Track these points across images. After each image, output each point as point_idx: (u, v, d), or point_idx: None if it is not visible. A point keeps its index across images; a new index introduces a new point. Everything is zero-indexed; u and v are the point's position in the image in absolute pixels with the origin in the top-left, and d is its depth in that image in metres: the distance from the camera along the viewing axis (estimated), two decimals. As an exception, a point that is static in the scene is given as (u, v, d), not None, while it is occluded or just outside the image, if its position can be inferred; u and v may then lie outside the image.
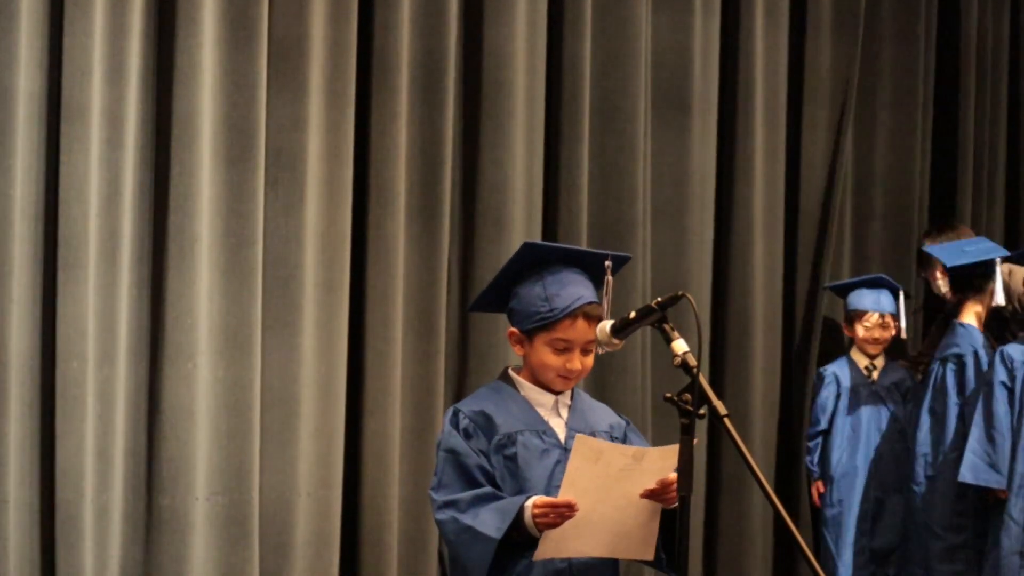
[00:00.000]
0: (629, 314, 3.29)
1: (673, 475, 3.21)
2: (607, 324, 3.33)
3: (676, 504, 3.25)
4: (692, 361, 3.12)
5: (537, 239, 5.53)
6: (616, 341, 3.33)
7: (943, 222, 6.69)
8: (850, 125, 6.72)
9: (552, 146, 5.81)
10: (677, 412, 3.11)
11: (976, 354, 5.99)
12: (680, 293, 3.22)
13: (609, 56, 5.95)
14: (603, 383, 5.87)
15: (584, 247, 5.68)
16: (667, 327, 3.22)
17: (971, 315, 6.11)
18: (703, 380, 3.11)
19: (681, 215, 6.20)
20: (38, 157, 4.65)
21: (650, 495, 3.21)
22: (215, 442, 4.95)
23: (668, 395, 3.13)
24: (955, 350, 6.06)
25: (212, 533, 4.94)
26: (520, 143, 5.62)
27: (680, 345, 3.16)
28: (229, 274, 4.99)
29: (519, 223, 5.58)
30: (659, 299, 3.24)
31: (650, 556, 3.30)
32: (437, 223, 5.45)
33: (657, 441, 5.90)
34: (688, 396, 3.10)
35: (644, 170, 6.01)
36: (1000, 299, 6.01)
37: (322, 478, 5.17)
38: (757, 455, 6.36)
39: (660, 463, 3.20)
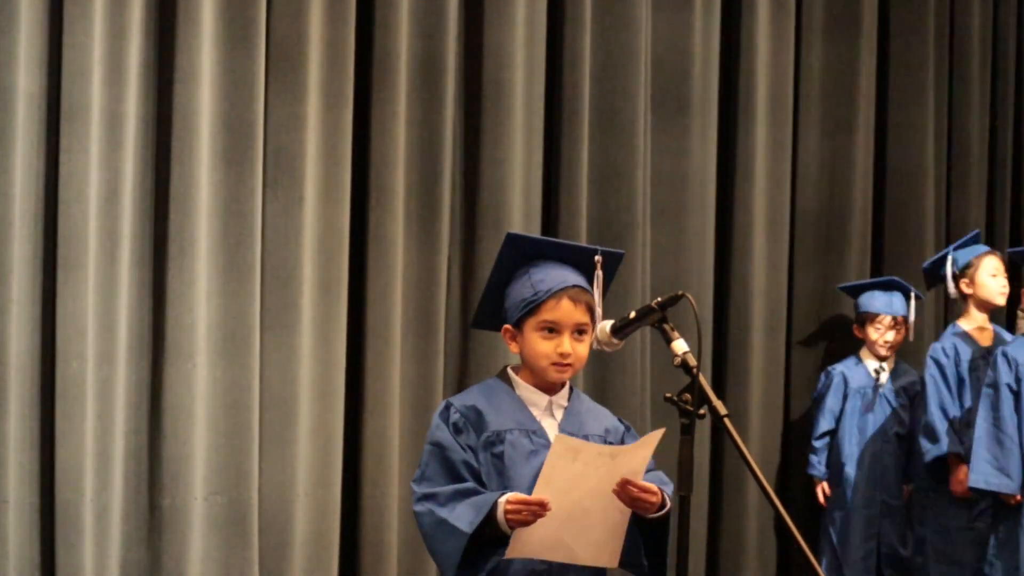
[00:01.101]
0: (629, 314, 3.28)
1: (636, 478, 3.18)
2: (607, 324, 3.31)
3: (653, 513, 3.23)
4: (692, 361, 3.11)
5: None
6: (616, 341, 3.31)
7: None
8: (862, 124, 6.73)
9: (551, 146, 5.81)
10: (677, 412, 3.11)
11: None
12: (680, 293, 3.20)
13: (609, 56, 5.95)
14: (603, 383, 5.88)
15: (582, 246, 5.68)
16: (667, 327, 3.20)
17: None
18: (703, 380, 3.10)
19: (681, 215, 6.20)
20: (38, 157, 4.65)
21: (618, 494, 3.17)
22: (214, 442, 4.95)
23: (668, 395, 3.12)
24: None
25: (211, 533, 4.94)
26: (519, 143, 5.62)
27: (680, 345, 3.14)
28: (228, 274, 4.99)
29: (518, 223, 5.58)
30: (659, 299, 3.22)
31: (614, 565, 3.25)
32: (436, 223, 5.45)
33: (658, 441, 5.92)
34: (688, 396, 3.09)
35: (644, 170, 6.01)
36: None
37: (321, 478, 5.17)
38: (757, 455, 6.36)
39: (635, 458, 3.17)
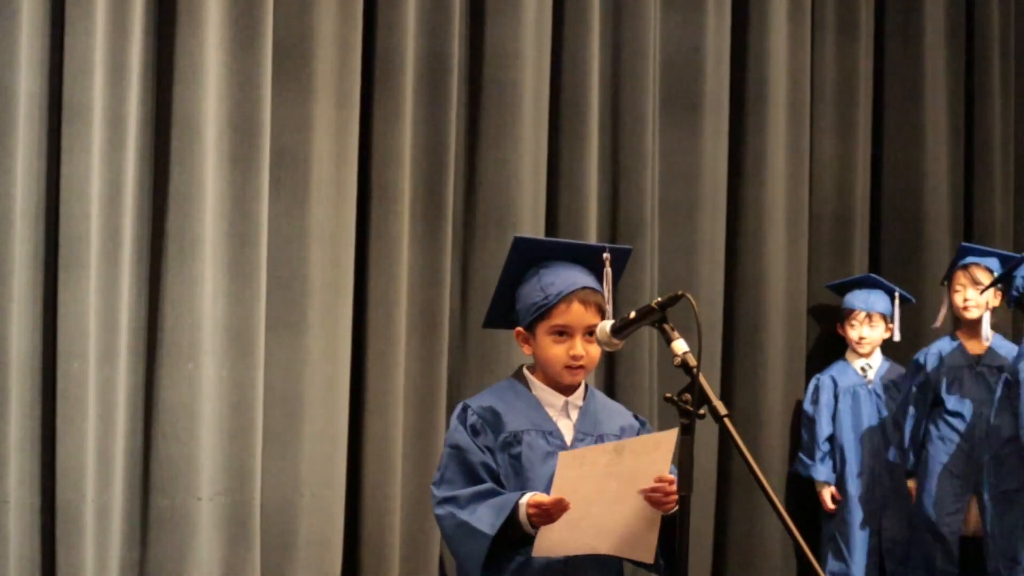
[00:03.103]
0: (629, 314, 3.27)
1: (667, 474, 3.18)
2: (607, 324, 3.31)
3: (674, 509, 3.23)
4: (692, 361, 3.10)
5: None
6: (616, 341, 3.30)
7: None
8: (870, 124, 6.73)
9: (557, 146, 5.80)
10: (677, 412, 3.10)
11: None
12: (680, 293, 3.20)
13: (617, 55, 5.95)
14: (613, 383, 5.89)
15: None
16: (667, 327, 3.20)
17: None
18: (703, 380, 3.09)
19: (692, 214, 6.20)
20: (39, 157, 4.65)
21: (647, 498, 3.18)
22: (217, 442, 4.94)
23: (668, 395, 3.12)
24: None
25: (214, 533, 4.93)
26: (524, 143, 5.61)
27: (680, 345, 3.14)
28: (232, 274, 4.99)
29: (523, 223, 5.58)
30: (659, 299, 3.22)
31: (650, 559, 3.26)
32: (440, 223, 5.45)
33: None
34: (688, 396, 3.09)
35: (652, 170, 6.00)
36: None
37: (324, 478, 5.16)
38: (769, 456, 6.35)
39: (645, 451, 3.17)
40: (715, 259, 6.27)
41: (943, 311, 6.21)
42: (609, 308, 3.38)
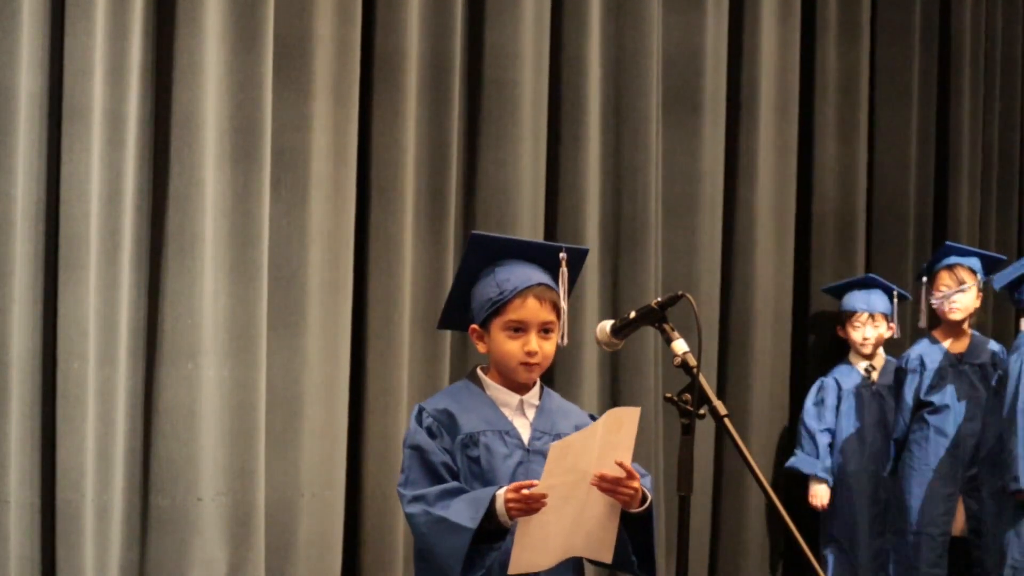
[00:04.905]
0: (629, 314, 3.28)
1: (627, 462, 3.16)
2: (607, 324, 3.32)
3: (638, 508, 3.22)
4: (692, 361, 3.11)
5: (540, 239, 5.52)
6: (616, 341, 3.31)
7: None
8: (866, 125, 6.75)
9: (557, 146, 5.80)
10: (677, 412, 3.10)
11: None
12: (680, 293, 3.21)
13: (620, 56, 5.95)
14: (617, 384, 5.90)
15: (595, 247, 5.69)
16: (667, 327, 3.21)
17: None
18: (703, 380, 3.09)
19: (693, 215, 6.21)
20: (39, 157, 4.64)
21: (599, 485, 3.15)
22: (218, 442, 4.94)
23: (668, 395, 3.13)
24: None
25: (214, 533, 4.93)
26: (524, 143, 5.62)
27: (680, 345, 3.14)
28: (232, 274, 4.98)
29: (524, 223, 5.58)
30: (659, 299, 3.23)
31: (608, 558, 3.24)
32: (442, 223, 5.44)
33: (668, 441, 5.92)
34: (688, 396, 3.09)
35: (656, 170, 6.00)
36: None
37: (325, 478, 5.16)
38: (760, 456, 6.36)
39: (613, 429, 3.14)
40: (713, 259, 6.28)
41: (923, 308, 6.20)
42: (564, 306, 3.35)
